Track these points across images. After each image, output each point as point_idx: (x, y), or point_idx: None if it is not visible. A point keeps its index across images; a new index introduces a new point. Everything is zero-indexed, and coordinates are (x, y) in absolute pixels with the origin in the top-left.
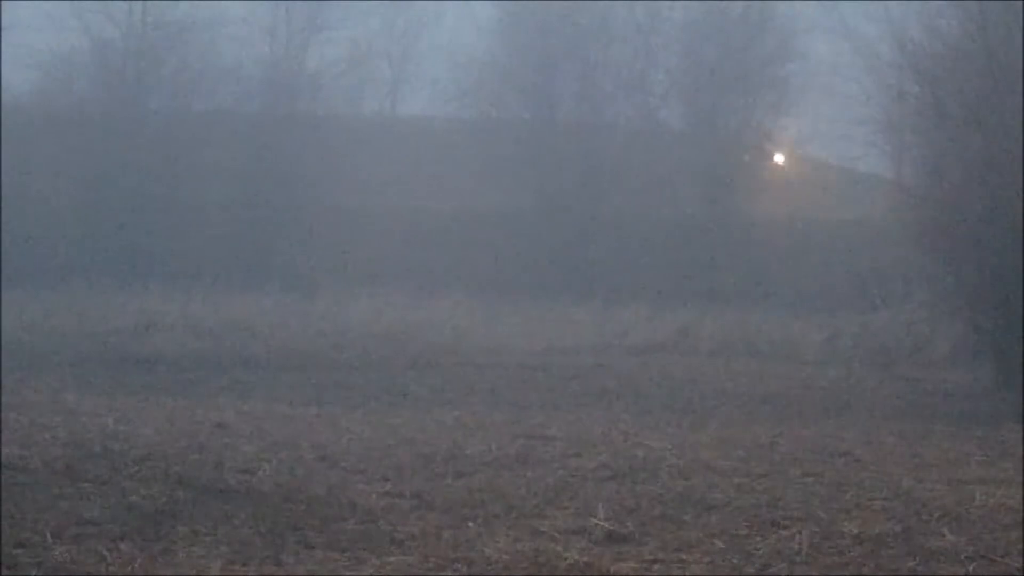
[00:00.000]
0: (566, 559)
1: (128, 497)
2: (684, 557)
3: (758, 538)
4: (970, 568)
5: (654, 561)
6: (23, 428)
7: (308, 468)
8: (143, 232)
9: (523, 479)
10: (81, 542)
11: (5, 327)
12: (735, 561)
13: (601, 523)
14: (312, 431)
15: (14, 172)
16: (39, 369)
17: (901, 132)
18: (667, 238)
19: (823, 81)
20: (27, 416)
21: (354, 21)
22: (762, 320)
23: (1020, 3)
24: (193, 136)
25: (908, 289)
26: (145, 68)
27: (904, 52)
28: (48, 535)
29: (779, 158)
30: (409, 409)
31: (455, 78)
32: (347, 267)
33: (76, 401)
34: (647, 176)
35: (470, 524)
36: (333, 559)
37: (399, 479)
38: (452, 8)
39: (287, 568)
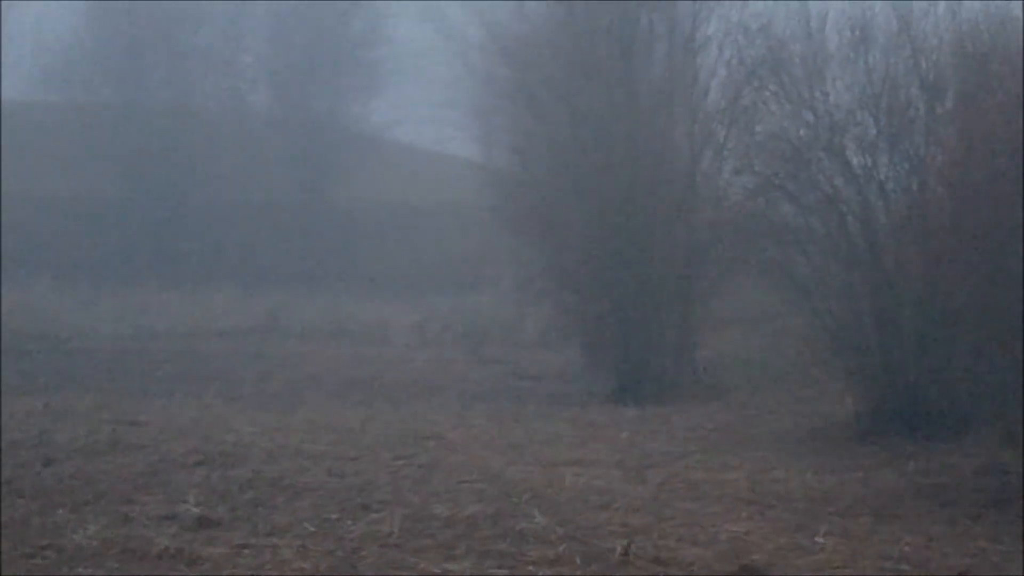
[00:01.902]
0: (157, 544)
1: None
2: (275, 541)
3: (349, 522)
4: (560, 549)
5: (244, 546)
6: None
7: None
8: None
9: (113, 465)
10: None
11: None
12: (326, 545)
13: (192, 508)
14: None
15: None
16: None
17: (490, 115)
18: (258, 223)
19: (413, 64)
20: None
21: None
22: (353, 304)
23: None
24: None
25: (499, 272)
26: None
27: (492, 36)
28: None
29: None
30: None
31: (41, 62)
32: None
33: None
34: (237, 161)
35: (59, 511)
36: None
37: None
38: None
39: None
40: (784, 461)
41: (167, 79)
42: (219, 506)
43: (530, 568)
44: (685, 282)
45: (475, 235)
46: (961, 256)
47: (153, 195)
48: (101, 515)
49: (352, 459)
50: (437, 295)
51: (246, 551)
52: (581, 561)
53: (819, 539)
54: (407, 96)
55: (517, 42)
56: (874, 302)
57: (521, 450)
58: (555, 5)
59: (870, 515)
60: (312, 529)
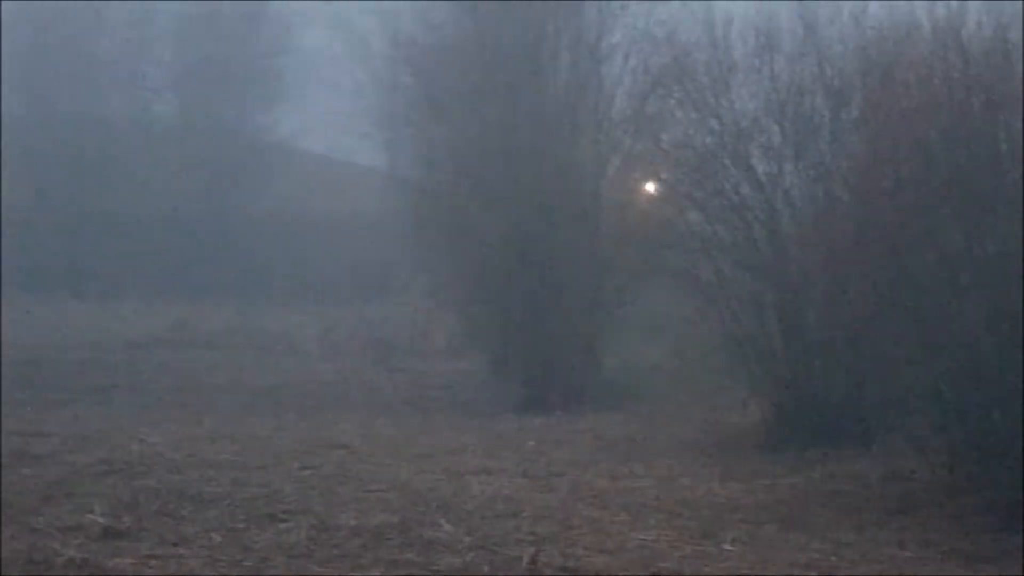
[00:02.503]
0: (62, 556)
1: None
2: (182, 552)
3: (256, 531)
4: (468, 558)
5: (151, 556)
6: None
7: None
8: None
9: (18, 476)
10: None
11: None
12: (233, 555)
13: (98, 519)
14: None
15: None
16: None
17: (395, 124)
18: (163, 232)
19: (319, 74)
20: None
21: None
22: (260, 313)
23: (511, 1)
24: None
25: (405, 281)
26: None
27: (397, 44)
28: None
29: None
30: None
31: None
32: None
33: None
34: (143, 170)
35: None
36: None
37: None
38: None
39: None
40: (691, 469)
41: (71, 88)
42: (125, 517)
43: None
44: (592, 290)
45: (382, 244)
46: (867, 263)
47: (58, 205)
48: (6, 527)
49: (259, 468)
50: (344, 304)
51: (153, 562)
52: (489, 570)
53: (727, 546)
54: (313, 105)
55: (422, 50)
56: (780, 309)
57: (428, 459)
58: (460, 13)
59: (777, 522)
60: (219, 539)
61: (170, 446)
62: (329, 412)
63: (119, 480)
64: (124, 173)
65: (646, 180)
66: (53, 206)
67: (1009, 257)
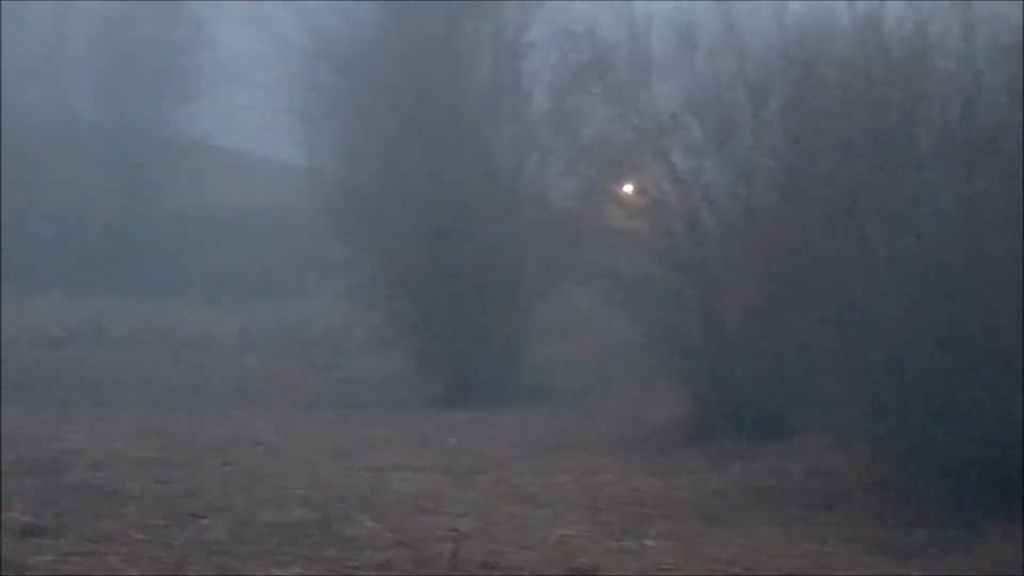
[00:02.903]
0: None
1: None
2: (102, 549)
3: (177, 529)
4: (389, 554)
5: (72, 553)
6: None
7: None
8: None
9: None
10: None
11: None
12: (154, 552)
13: (19, 517)
14: None
15: None
16: None
17: (317, 121)
18: (81, 229)
19: (237, 71)
20: None
21: None
22: (180, 310)
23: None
24: None
25: (326, 277)
26: None
27: (318, 41)
28: None
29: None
30: None
31: None
32: None
33: None
34: (60, 167)
35: None
36: None
37: None
38: None
39: None
40: (613, 464)
41: None
42: (46, 514)
43: (359, 573)
44: (512, 287)
45: (301, 241)
46: (787, 259)
47: None
48: None
49: (179, 466)
50: (265, 301)
51: (73, 559)
52: (410, 566)
53: (648, 542)
54: (232, 102)
55: (343, 47)
56: (701, 306)
57: (349, 456)
58: (381, 10)
59: (699, 518)
60: (140, 536)
61: (90, 443)
62: (249, 409)
63: (39, 478)
64: (42, 171)
65: (566, 176)
66: None
67: (930, 253)
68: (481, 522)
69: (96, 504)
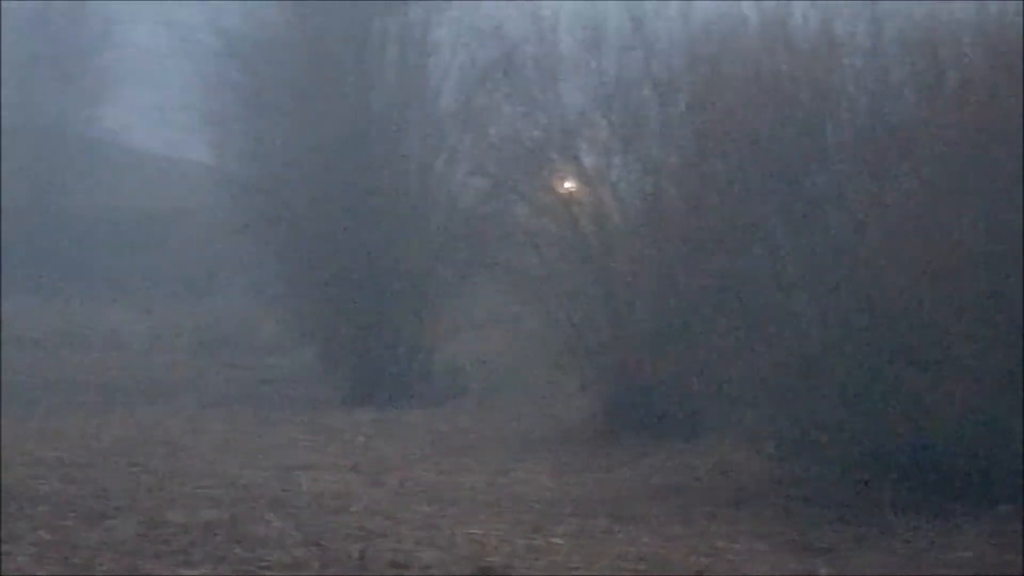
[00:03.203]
0: None
1: None
2: (8, 550)
3: (83, 529)
4: (297, 554)
5: None
6: None
7: None
8: None
9: None
10: None
11: None
12: (62, 552)
13: None
14: None
15: None
16: None
17: (222, 120)
18: None
19: (145, 70)
20: None
21: None
22: (85, 310)
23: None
24: None
25: (233, 276)
26: None
27: (224, 39)
28: None
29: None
30: None
31: None
32: None
33: None
34: None
35: None
36: None
37: None
38: None
39: None
40: (522, 463)
41: None
42: None
43: (267, 573)
44: (421, 284)
45: (209, 239)
46: (695, 257)
47: None
48: None
49: (86, 465)
50: (171, 300)
51: None
52: (318, 565)
53: (556, 540)
54: (140, 101)
55: (249, 45)
56: (608, 303)
57: (257, 455)
58: (287, 9)
59: (607, 515)
60: (47, 536)
61: None
62: (157, 408)
63: None
64: None
65: (474, 174)
66: None
67: (838, 250)
68: (390, 521)
69: (2, 505)
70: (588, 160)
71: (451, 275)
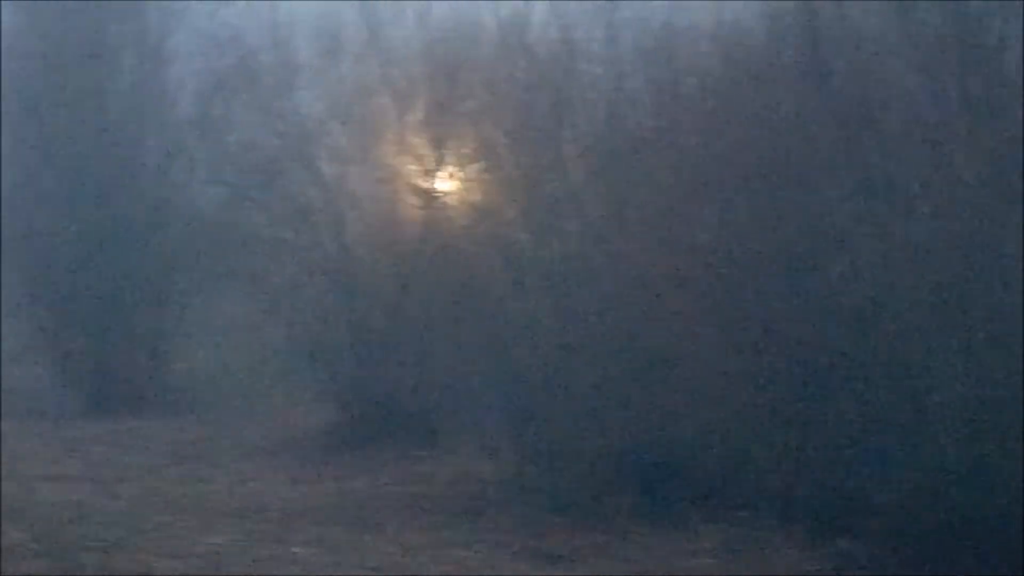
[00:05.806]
0: None
1: None
2: None
3: None
4: (35, 565)
5: None
6: None
7: None
8: None
9: None
10: None
11: None
12: None
13: None
14: None
15: None
16: None
17: None
18: None
19: None
20: None
21: None
22: None
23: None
24: None
25: None
26: None
27: None
28: None
29: None
30: None
31: None
32: None
33: None
34: None
35: None
36: None
37: None
38: None
39: None
40: (261, 472)
41: None
42: None
43: None
44: (159, 294)
45: None
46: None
47: None
48: None
49: None
50: None
51: None
52: None
53: (296, 549)
54: None
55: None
56: (347, 312)
57: None
58: (17, 12)
59: (346, 524)
60: None
61: None
62: None
63: None
64: None
65: (211, 183)
66: None
67: (574, 256)
68: (128, 532)
69: None
70: (325, 168)
71: (189, 284)
